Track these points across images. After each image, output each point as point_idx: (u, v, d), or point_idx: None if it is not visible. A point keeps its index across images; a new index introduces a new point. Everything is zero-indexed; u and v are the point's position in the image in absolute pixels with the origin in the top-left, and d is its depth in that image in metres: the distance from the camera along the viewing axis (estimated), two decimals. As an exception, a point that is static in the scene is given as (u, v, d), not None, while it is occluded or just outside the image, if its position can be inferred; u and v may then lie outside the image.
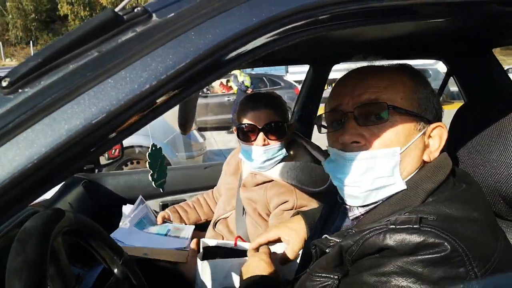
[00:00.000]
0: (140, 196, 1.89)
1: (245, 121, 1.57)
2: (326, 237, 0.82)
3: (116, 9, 0.44)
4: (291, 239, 1.17)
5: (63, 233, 0.86)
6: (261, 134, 1.54)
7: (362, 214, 0.86)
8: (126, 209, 1.86)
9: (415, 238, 0.64)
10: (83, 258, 1.24)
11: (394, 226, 0.67)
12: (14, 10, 29.52)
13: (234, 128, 1.66)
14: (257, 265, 1.06)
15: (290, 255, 1.15)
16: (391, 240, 0.66)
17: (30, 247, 0.68)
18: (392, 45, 1.50)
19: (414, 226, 0.65)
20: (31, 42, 28.51)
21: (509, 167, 0.84)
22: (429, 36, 1.22)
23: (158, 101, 0.45)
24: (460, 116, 1.09)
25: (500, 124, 0.89)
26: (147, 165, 1.75)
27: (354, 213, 0.88)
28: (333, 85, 0.91)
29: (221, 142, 9.19)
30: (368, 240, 0.69)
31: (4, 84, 0.40)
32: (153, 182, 1.75)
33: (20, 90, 0.40)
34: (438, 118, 0.87)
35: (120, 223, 1.77)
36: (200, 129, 6.95)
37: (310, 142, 1.73)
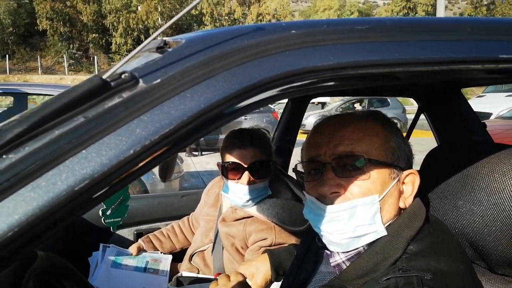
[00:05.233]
0: (101, 245, 1.84)
1: (230, 158, 1.54)
2: None
3: (104, 76, 0.45)
4: (254, 276, 1.21)
5: (35, 275, 0.83)
6: (246, 173, 1.51)
7: (343, 261, 0.87)
8: (93, 259, 1.80)
9: None
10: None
11: None
12: (-9, 23, 28.95)
13: (217, 163, 1.64)
14: None
15: None
16: None
17: (-1, 296, 0.66)
18: (366, 86, 1.56)
19: None
20: (7, 56, 27.90)
21: (474, 214, 0.88)
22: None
23: (141, 163, 0.46)
24: (431, 159, 1.13)
25: (468, 171, 0.92)
26: None
27: (335, 259, 0.88)
28: (309, 133, 0.93)
29: (199, 164, 9.12)
30: None
31: (-13, 150, 0.40)
32: (102, 218, 1.62)
33: (4, 156, 0.41)
34: (409, 165, 0.91)
35: (91, 272, 1.73)
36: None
37: (292, 178, 1.70)
